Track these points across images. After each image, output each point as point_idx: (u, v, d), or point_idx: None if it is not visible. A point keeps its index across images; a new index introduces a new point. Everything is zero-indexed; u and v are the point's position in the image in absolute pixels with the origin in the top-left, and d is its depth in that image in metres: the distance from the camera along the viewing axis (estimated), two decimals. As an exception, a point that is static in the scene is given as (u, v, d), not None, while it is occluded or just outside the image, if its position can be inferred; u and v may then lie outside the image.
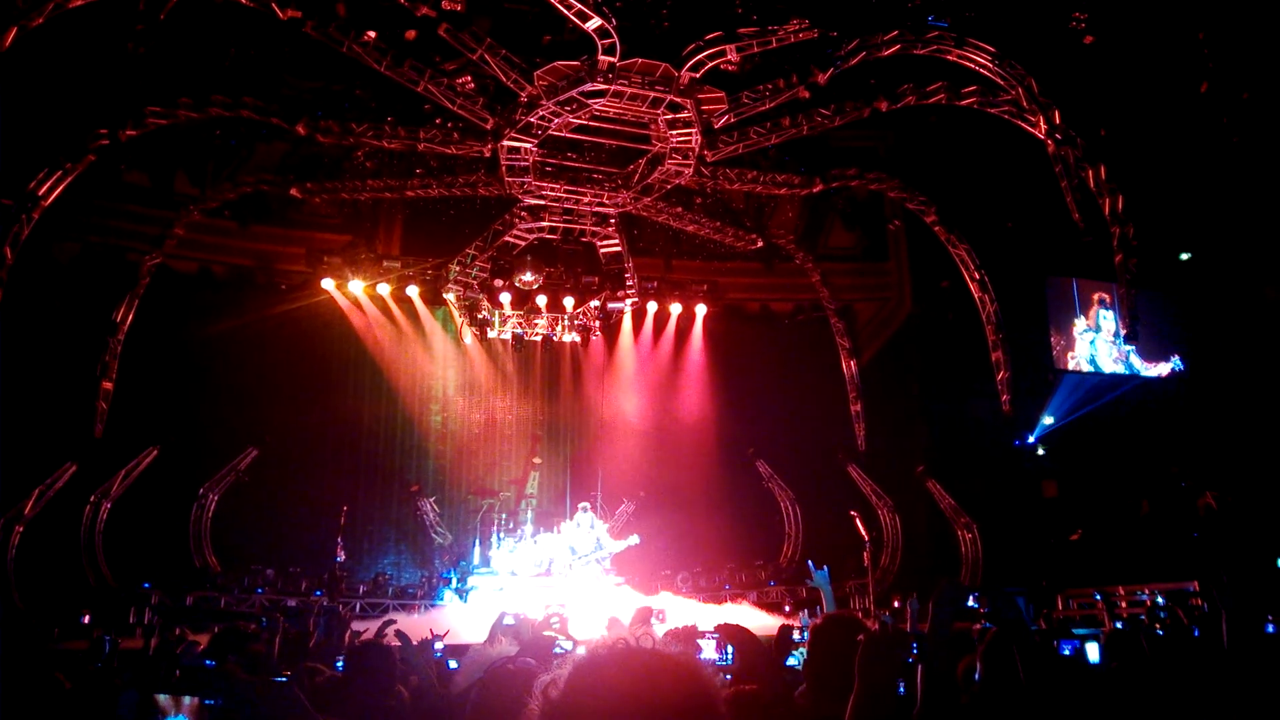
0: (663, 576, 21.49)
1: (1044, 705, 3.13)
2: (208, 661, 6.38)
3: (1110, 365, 21.55)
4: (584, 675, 1.42)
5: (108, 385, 19.09)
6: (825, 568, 7.08)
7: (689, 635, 7.18)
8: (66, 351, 18.71)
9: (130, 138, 16.70)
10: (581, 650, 1.47)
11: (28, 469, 17.15)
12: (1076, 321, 21.57)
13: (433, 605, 19.43)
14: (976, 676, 3.49)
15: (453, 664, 5.30)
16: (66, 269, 19.76)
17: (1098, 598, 16.31)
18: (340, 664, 7.37)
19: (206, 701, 2.67)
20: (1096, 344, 21.58)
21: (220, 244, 21.61)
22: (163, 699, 2.69)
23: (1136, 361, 21.35)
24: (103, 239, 20.17)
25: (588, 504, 20.78)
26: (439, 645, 8.03)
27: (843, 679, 2.94)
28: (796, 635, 6.55)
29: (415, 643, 5.30)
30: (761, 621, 15.98)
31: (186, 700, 2.70)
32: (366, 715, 4.01)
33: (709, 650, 7.46)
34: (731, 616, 16.67)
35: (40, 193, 15.98)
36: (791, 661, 5.69)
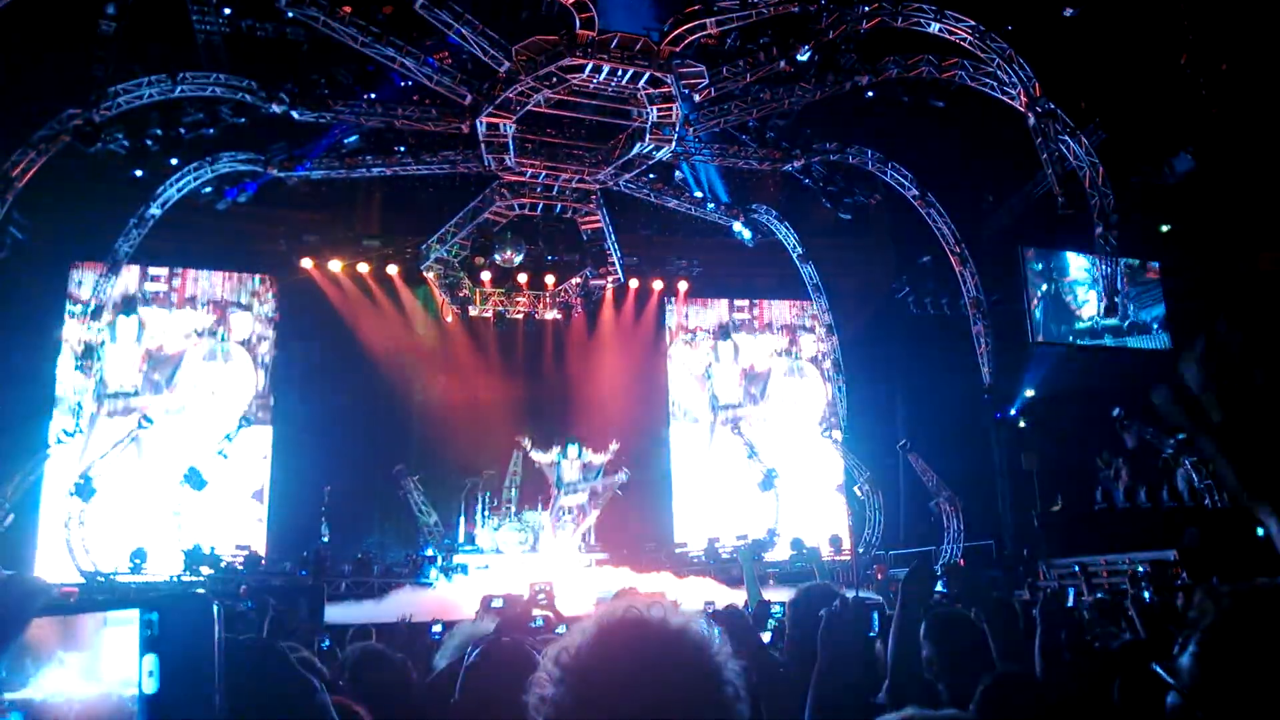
0: (647, 551, 21.53)
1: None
2: None
3: (1089, 336, 21.65)
4: (599, 642, 1.43)
5: (86, 367, 18.94)
6: (751, 542, 6.94)
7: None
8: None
9: (104, 117, 16.51)
10: (586, 623, 1.48)
11: (6, 451, 17.06)
12: (1056, 293, 21.65)
13: (418, 584, 19.39)
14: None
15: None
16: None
17: (1075, 569, 16.45)
18: (325, 643, 7.40)
19: None
20: (1077, 314, 21.68)
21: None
22: None
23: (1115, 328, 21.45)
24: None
25: (576, 437, 20.76)
26: (436, 628, 8.11)
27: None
28: (775, 609, 6.57)
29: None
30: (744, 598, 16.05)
31: None
32: (385, 692, 4.03)
33: None
34: (717, 593, 16.75)
35: (13, 174, 15.79)
36: (766, 635, 5.75)
